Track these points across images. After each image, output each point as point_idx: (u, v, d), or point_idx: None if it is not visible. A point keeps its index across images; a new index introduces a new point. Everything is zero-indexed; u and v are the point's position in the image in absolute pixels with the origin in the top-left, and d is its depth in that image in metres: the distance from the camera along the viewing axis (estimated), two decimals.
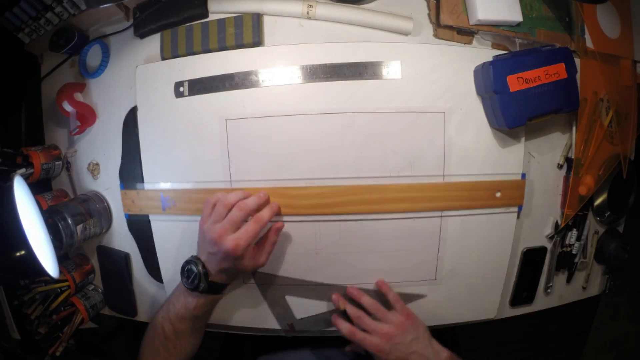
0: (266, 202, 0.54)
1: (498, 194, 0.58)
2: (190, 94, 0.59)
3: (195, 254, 0.54)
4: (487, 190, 0.58)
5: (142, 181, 0.62)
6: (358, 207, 0.57)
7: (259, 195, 0.54)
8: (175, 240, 0.62)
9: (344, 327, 0.55)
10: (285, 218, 0.57)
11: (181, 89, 0.59)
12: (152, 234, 0.63)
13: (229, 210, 0.51)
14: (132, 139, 0.62)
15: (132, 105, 0.62)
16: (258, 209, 0.52)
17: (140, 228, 0.64)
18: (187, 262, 0.52)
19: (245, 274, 0.54)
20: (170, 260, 0.63)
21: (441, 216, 0.58)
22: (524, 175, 0.59)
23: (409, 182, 0.57)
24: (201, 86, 0.58)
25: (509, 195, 0.59)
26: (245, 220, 0.51)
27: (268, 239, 0.54)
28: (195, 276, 0.50)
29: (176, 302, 0.54)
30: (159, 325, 0.54)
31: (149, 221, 0.63)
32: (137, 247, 0.66)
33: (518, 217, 0.60)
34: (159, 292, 0.66)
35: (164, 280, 0.64)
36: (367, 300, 0.57)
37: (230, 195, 0.52)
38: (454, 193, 0.58)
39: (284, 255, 0.60)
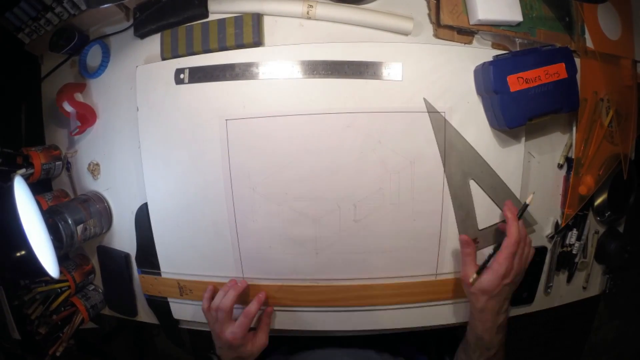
0: (241, 291, 0.59)
1: None
2: (190, 81, 0.59)
3: None
4: None
5: (159, 268, 0.64)
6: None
7: (235, 287, 0.59)
8: (193, 318, 0.66)
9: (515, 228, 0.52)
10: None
11: (182, 75, 0.59)
12: (170, 310, 0.67)
13: (229, 312, 0.58)
14: (146, 232, 0.64)
15: (143, 202, 0.63)
16: (248, 300, 0.59)
17: (159, 304, 0.67)
18: (209, 358, 0.61)
19: (254, 356, 0.59)
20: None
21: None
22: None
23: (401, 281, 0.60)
24: (202, 74, 0.58)
25: None
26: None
27: (262, 321, 0.61)
28: None
29: None
30: None
31: (167, 302, 0.66)
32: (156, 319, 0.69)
33: None
34: None
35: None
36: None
37: (216, 299, 0.58)
38: (448, 287, 0.60)
39: None
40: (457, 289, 0.60)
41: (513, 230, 0.52)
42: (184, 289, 0.63)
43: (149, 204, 0.62)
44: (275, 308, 0.62)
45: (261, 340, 0.59)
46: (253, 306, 0.58)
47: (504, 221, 0.57)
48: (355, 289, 0.60)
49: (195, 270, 0.63)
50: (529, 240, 0.55)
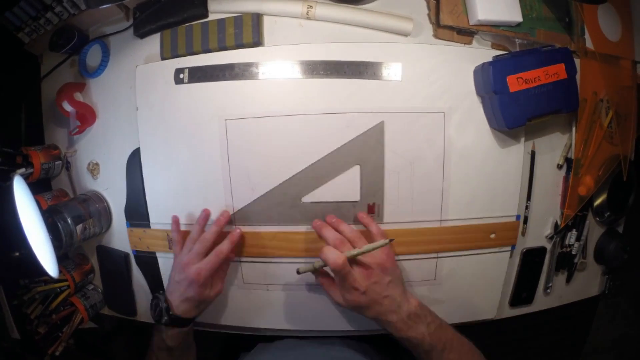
0: (225, 224, 0.57)
1: (492, 236, 0.59)
2: (190, 81, 0.58)
3: None
4: (483, 232, 0.59)
5: (148, 220, 0.63)
6: None
7: (219, 221, 0.57)
8: None
9: (331, 254, 0.49)
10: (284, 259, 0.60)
11: (181, 75, 0.59)
12: (159, 268, 0.65)
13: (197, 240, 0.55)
14: (136, 180, 0.63)
15: (135, 147, 0.62)
16: (219, 239, 0.56)
17: (147, 262, 0.66)
18: (155, 297, 0.56)
19: (209, 303, 0.56)
20: None
21: (437, 257, 0.60)
22: (518, 217, 0.60)
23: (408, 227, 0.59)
24: (201, 74, 0.58)
25: (504, 236, 0.60)
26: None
27: (221, 268, 0.57)
28: (159, 310, 0.54)
29: (155, 334, 0.56)
30: (151, 356, 0.58)
31: (155, 257, 0.65)
32: (145, 281, 0.67)
33: (511, 256, 0.62)
34: None
35: None
36: (346, 229, 0.54)
37: (194, 231, 0.57)
38: (450, 236, 0.59)
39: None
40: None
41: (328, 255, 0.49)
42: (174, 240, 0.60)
43: (148, 204, 0.62)
44: (272, 259, 0.60)
45: (217, 286, 0.56)
46: (225, 246, 0.54)
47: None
48: None
49: (186, 220, 0.61)
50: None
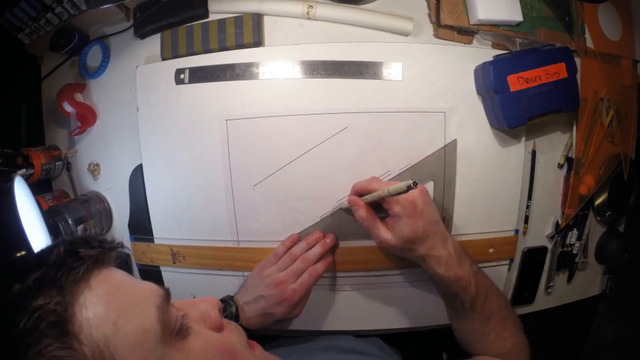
0: (330, 247, 0.56)
1: (491, 250, 0.60)
2: (190, 81, 0.58)
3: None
4: (481, 247, 0.59)
5: (152, 234, 0.63)
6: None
7: (324, 244, 0.56)
8: (185, 288, 0.64)
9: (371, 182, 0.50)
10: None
11: (182, 76, 0.59)
12: (163, 282, 0.65)
13: (294, 261, 0.54)
14: (139, 195, 0.63)
15: (138, 164, 0.63)
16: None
17: (151, 276, 0.66)
18: (222, 300, 0.53)
19: (278, 323, 0.54)
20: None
21: None
22: (517, 232, 0.60)
23: None
24: (202, 74, 0.58)
25: (502, 250, 0.60)
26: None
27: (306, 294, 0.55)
28: (227, 316, 0.51)
29: None
30: None
31: (159, 271, 0.65)
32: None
33: (509, 269, 0.62)
34: None
35: None
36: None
37: (296, 248, 0.56)
38: None
39: None
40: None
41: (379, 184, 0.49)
42: (177, 255, 0.62)
43: (149, 204, 0.62)
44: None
45: (299, 308, 0.54)
46: (320, 267, 0.53)
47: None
48: (357, 251, 0.58)
49: (190, 235, 0.62)
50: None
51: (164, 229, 0.62)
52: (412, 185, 0.42)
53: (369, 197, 0.50)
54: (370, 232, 0.51)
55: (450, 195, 0.58)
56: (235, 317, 0.52)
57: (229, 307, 0.52)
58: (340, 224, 0.58)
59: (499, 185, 0.59)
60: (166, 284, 0.64)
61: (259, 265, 0.56)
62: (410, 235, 0.48)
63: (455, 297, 0.50)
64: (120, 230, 0.67)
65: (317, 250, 0.55)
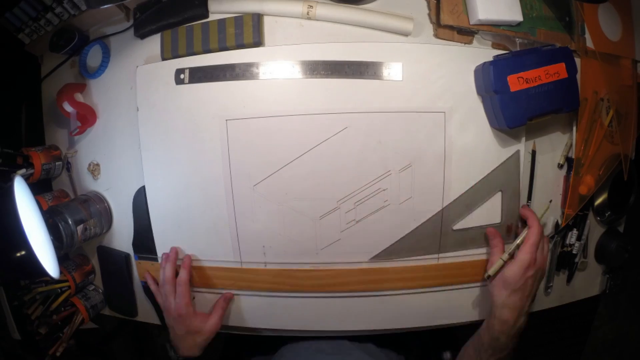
0: (176, 258, 0.62)
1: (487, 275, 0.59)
2: (190, 81, 0.58)
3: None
4: (479, 267, 0.59)
5: (155, 254, 0.64)
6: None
7: (167, 257, 0.61)
8: None
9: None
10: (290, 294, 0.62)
11: (182, 76, 0.59)
12: None
13: (173, 283, 0.60)
14: (143, 216, 0.63)
15: (140, 185, 0.63)
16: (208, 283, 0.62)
17: None
18: (165, 347, 0.61)
19: (206, 338, 0.59)
20: None
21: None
22: None
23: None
24: (202, 74, 0.58)
25: None
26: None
27: (218, 304, 0.61)
28: (171, 358, 0.60)
29: None
30: None
31: None
32: (152, 309, 0.68)
33: None
34: None
35: None
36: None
37: (160, 276, 0.61)
38: (447, 272, 0.60)
39: None
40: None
41: (536, 222, 0.53)
42: None
43: (149, 204, 0.62)
44: (277, 294, 0.61)
45: (213, 320, 0.59)
46: (183, 274, 0.59)
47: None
48: (356, 273, 0.60)
49: (193, 255, 0.63)
50: (546, 238, 0.56)
51: (167, 248, 0.63)
52: None
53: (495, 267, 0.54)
54: (491, 252, 0.56)
55: (516, 204, 0.60)
56: (176, 357, 0.59)
57: (170, 352, 0.59)
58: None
59: (499, 186, 0.59)
60: None
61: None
62: (505, 278, 0.52)
63: (489, 349, 0.53)
64: (120, 229, 0.67)
65: (166, 266, 0.60)
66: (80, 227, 0.60)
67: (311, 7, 0.57)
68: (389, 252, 0.59)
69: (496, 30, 0.57)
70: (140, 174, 0.62)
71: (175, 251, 0.61)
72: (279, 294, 0.62)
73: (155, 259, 0.64)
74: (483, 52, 0.57)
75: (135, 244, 0.65)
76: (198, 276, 0.63)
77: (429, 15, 0.58)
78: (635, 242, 0.68)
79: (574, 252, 0.65)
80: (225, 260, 0.61)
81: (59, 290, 0.65)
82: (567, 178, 0.62)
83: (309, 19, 0.58)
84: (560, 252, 0.65)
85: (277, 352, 0.65)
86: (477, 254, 0.60)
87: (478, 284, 0.61)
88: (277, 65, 0.57)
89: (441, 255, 0.60)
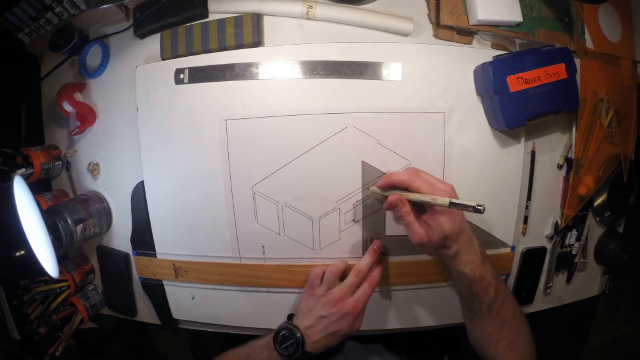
0: (378, 254, 0.57)
1: None
2: (190, 81, 0.58)
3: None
4: None
5: (154, 249, 0.64)
6: None
7: (372, 252, 0.56)
8: (187, 301, 0.65)
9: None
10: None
11: (181, 75, 0.59)
12: (166, 295, 0.66)
13: (339, 277, 0.55)
14: (141, 211, 0.63)
15: (139, 181, 0.63)
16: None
17: (154, 289, 0.66)
18: (283, 328, 0.53)
19: (338, 339, 0.54)
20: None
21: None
22: (513, 248, 0.60)
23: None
24: (202, 74, 0.58)
25: (499, 265, 0.60)
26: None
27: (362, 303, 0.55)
28: (292, 344, 0.51)
29: (259, 354, 0.54)
30: None
31: (162, 285, 0.65)
32: (151, 305, 0.68)
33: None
34: None
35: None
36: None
37: (339, 264, 0.56)
38: (445, 267, 0.58)
39: None
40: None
41: (395, 174, 0.50)
42: (180, 270, 0.63)
43: (148, 203, 0.62)
44: (277, 290, 0.60)
45: (359, 322, 0.54)
46: (376, 274, 0.54)
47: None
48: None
49: (192, 250, 0.62)
50: (412, 169, 0.51)
51: (165, 244, 0.63)
52: (477, 207, 0.41)
53: (411, 197, 0.48)
54: (409, 227, 0.49)
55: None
56: (302, 344, 0.51)
57: (293, 335, 0.52)
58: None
59: (499, 186, 0.59)
60: (170, 298, 0.65)
61: (305, 289, 0.57)
62: (449, 232, 0.47)
63: (475, 297, 0.49)
64: (119, 229, 0.67)
65: (367, 260, 0.55)
66: (79, 227, 0.60)
67: (311, 7, 0.57)
68: (390, 249, 0.59)
69: (496, 31, 0.57)
70: (140, 174, 0.62)
71: (380, 245, 0.57)
72: (279, 290, 0.61)
73: (154, 255, 0.64)
74: (483, 53, 0.57)
75: (134, 240, 0.65)
76: (196, 271, 0.62)
77: (429, 15, 0.58)
78: (635, 243, 0.69)
79: (574, 252, 0.65)
80: (224, 255, 0.61)
81: (59, 290, 0.65)
82: (566, 178, 0.62)
83: (309, 19, 0.58)
84: (559, 253, 0.65)
85: None
86: (484, 174, 0.58)
87: None
88: (276, 65, 0.57)
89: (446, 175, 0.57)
